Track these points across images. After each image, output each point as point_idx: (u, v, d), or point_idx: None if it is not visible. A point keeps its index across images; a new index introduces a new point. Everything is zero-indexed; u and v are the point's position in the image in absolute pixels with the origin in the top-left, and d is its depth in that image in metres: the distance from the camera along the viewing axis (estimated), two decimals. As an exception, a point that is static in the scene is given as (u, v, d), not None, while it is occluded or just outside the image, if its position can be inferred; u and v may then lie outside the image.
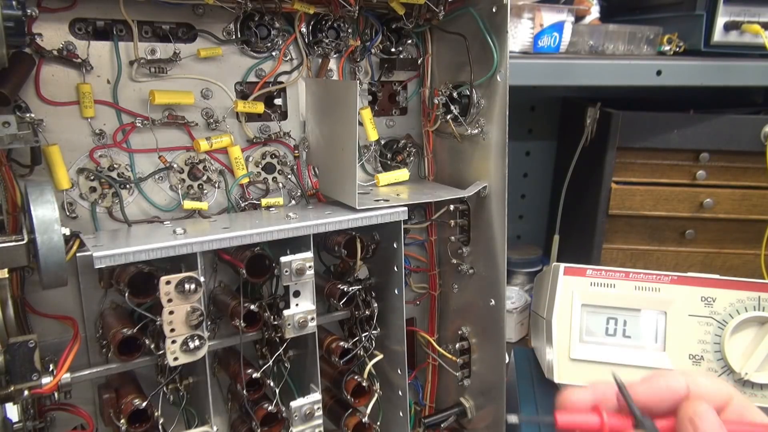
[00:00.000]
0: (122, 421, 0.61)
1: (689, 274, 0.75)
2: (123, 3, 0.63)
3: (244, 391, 0.67)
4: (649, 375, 0.38)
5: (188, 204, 0.70)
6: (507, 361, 0.79)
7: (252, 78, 0.73)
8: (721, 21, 0.94)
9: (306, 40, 0.74)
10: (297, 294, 0.67)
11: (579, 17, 1.01)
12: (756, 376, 0.70)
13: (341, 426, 0.76)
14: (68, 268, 0.55)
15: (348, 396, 0.75)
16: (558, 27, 0.92)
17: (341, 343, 0.73)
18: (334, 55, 0.76)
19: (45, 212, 0.52)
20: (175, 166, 0.70)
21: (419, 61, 0.82)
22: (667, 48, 0.99)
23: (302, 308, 0.67)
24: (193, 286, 0.59)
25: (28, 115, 0.59)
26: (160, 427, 0.64)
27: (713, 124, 0.99)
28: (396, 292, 0.75)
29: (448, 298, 0.86)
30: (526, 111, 1.35)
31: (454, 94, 0.76)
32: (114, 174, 0.66)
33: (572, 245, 1.14)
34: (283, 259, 0.64)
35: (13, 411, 0.59)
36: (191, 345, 0.61)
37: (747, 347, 0.71)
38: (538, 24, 0.91)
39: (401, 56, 0.81)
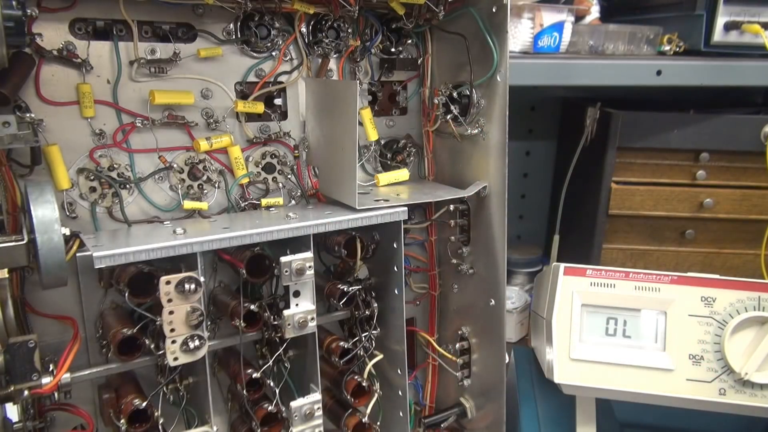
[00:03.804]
0: (122, 421, 0.61)
1: (689, 274, 0.75)
2: (123, 3, 0.63)
3: (244, 391, 0.67)
4: None
5: (188, 204, 0.70)
6: (507, 361, 0.79)
7: (252, 78, 0.73)
8: (721, 21, 0.94)
9: (306, 40, 0.74)
10: (297, 294, 0.67)
11: (579, 17, 1.01)
12: (756, 376, 0.70)
13: (341, 426, 0.76)
14: (68, 268, 0.55)
15: (348, 396, 0.75)
16: (558, 27, 0.92)
17: (341, 343, 0.73)
18: (334, 55, 0.76)
19: (45, 212, 0.52)
20: (175, 166, 0.70)
21: (419, 61, 0.82)
22: (667, 48, 0.98)
23: (302, 308, 0.67)
24: (193, 286, 0.59)
25: (28, 115, 0.59)
26: (160, 427, 0.63)
27: (713, 124, 0.99)
28: (396, 292, 0.75)
29: (448, 298, 0.86)
30: (526, 111, 1.35)
31: (454, 94, 0.76)
32: (114, 174, 0.66)
33: (572, 245, 1.14)
34: (283, 259, 0.64)
35: (13, 411, 0.59)
36: (191, 345, 0.61)
37: (747, 347, 0.71)
38: (538, 24, 0.91)
39: (401, 56, 0.81)
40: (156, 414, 0.63)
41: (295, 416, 0.69)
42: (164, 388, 0.67)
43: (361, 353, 0.74)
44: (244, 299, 0.66)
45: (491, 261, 0.75)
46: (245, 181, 0.74)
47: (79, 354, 0.61)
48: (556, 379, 0.74)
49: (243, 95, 0.73)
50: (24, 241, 0.54)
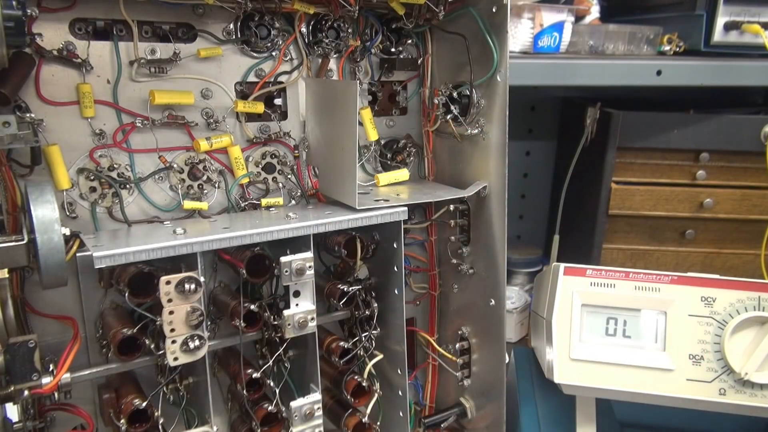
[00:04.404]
0: (122, 421, 0.61)
1: (689, 274, 0.75)
2: (123, 3, 0.63)
3: (244, 391, 0.67)
4: None
5: (188, 204, 0.70)
6: (507, 361, 0.79)
7: (252, 78, 0.73)
8: (721, 21, 0.94)
9: (306, 40, 0.74)
10: (297, 294, 0.67)
11: (579, 17, 1.01)
12: (756, 376, 0.70)
13: (341, 426, 0.76)
14: (68, 268, 0.55)
15: (348, 396, 0.75)
16: (558, 27, 0.92)
17: (341, 343, 0.73)
18: (334, 55, 0.76)
19: (45, 212, 0.52)
20: (175, 166, 0.70)
21: (419, 61, 0.82)
22: (667, 48, 0.98)
23: (302, 308, 0.67)
24: (193, 286, 0.59)
25: (28, 115, 0.59)
26: (160, 427, 0.63)
27: (713, 124, 0.99)
28: (396, 292, 0.75)
29: (448, 298, 0.86)
30: (526, 111, 1.35)
31: (454, 94, 0.76)
32: (114, 174, 0.66)
33: (572, 245, 1.14)
34: (283, 259, 0.64)
35: (13, 411, 0.59)
36: (191, 345, 0.61)
37: (747, 347, 0.71)
38: (538, 24, 0.91)
39: (401, 56, 0.81)
40: (156, 414, 0.63)
41: (295, 416, 0.69)
42: (164, 388, 0.67)
43: (361, 353, 0.74)
44: (244, 299, 0.66)
45: (491, 261, 0.75)
46: (245, 181, 0.74)
47: (79, 354, 0.61)
48: (556, 379, 0.74)
49: (243, 95, 0.73)
50: (24, 241, 0.54)
